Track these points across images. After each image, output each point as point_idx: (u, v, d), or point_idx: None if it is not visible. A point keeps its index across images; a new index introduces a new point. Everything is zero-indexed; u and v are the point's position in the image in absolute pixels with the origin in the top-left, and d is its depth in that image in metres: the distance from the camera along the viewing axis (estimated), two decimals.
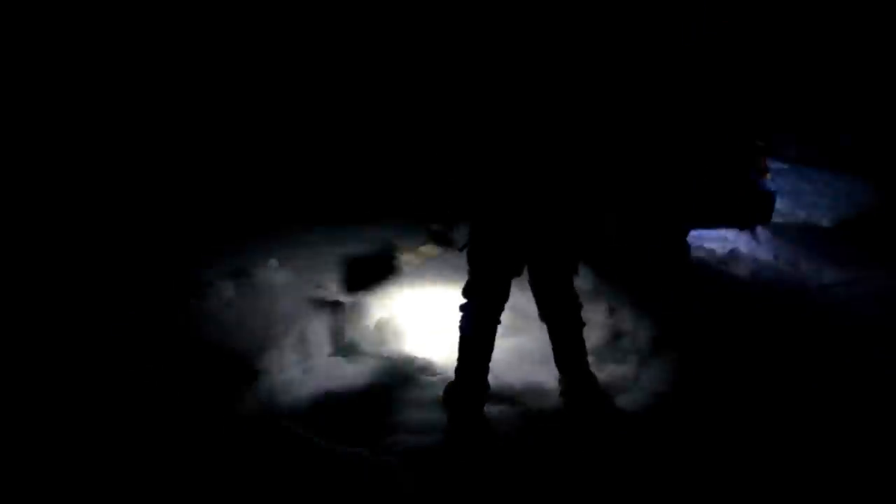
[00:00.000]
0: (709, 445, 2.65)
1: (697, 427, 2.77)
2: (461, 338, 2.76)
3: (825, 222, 5.92)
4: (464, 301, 2.75)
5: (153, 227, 4.36)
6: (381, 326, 3.43)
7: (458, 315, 2.76)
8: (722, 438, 2.68)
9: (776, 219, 5.64)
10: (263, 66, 5.39)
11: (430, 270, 4.04)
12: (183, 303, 3.34)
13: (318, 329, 3.29)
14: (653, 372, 3.19)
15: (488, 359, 2.75)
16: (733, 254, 4.79)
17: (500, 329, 2.88)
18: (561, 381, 2.86)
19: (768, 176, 4.89)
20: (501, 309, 2.75)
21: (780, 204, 5.71)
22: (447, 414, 2.75)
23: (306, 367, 3.10)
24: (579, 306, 2.82)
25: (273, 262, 3.77)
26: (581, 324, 2.83)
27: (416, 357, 3.23)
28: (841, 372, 3.14)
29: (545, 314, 2.82)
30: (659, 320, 3.52)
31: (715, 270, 4.53)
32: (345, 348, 3.33)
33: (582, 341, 2.82)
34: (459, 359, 2.75)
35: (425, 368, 3.14)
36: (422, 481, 2.33)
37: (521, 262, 2.73)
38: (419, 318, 3.55)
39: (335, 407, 2.81)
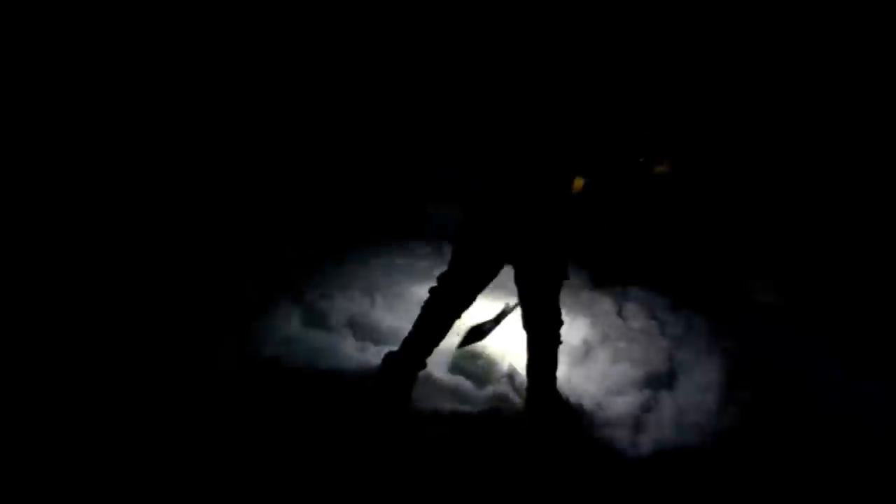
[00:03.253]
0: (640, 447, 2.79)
1: (629, 428, 2.90)
2: (420, 317, 2.89)
3: None
4: (436, 286, 2.87)
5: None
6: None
7: (427, 296, 2.89)
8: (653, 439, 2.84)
9: None
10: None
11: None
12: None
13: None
14: (584, 372, 3.29)
15: (436, 345, 2.92)
16: None
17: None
18: (527, 391, 2.94)
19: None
20: (465, 307, 2.89)
21: None
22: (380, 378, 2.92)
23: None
24: (560, 323, 2.87)
25: None
26: (558, 341, 2.90)
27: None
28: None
29: (526, 323, 2.89)
30: (589, 323, 3.62)
31: None
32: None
33: (555, 358, 2.90)
34: (410, 334, 2.90)
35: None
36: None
37: (500, 263, 2.82)
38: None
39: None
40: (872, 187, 4.63)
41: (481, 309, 3.14)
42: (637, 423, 2.94)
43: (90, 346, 2.96)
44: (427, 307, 2.88)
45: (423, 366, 2.95)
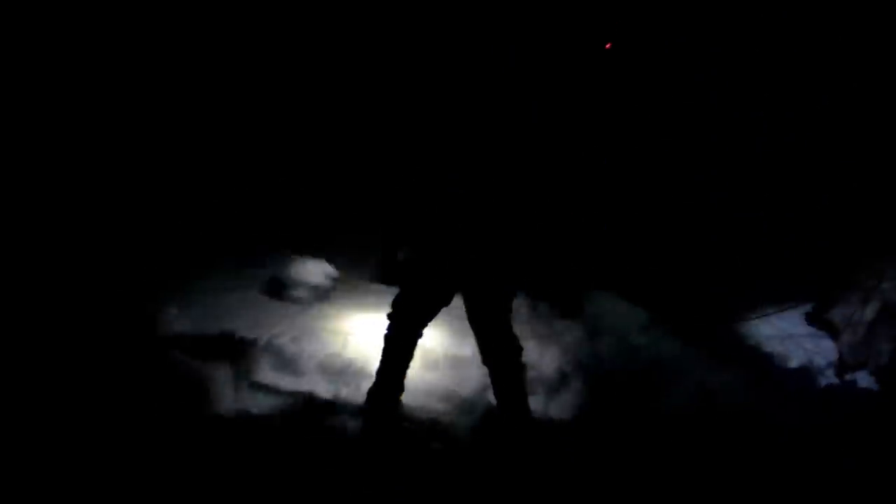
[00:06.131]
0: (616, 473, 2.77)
1: (606, 456, 2.90)
2: (384, 346, 2.90)
3: None
4: (391, 312, 2.86)
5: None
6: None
7: (386, 322, 2.89)
8: (628, 467, 2.81)
9: None
10: None
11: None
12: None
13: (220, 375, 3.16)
14: (560, 403, 3.27)
15: (407, 366, 2.93)
16: None
17: (414, 365, 2.98)
18: (504, 422, 2.88)
19: None
20: (424, 325, 2.89)
21: None
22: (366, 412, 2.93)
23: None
24: (519, 349, 2.83)
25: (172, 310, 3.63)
26: (521, 368, 2.85)
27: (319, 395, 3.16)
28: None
29: (485, 358, 2.85)
30: (563, 352, 3.61)
31: None
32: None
33: (522, 386, 2.85)
34: (381, 363, 2.92)
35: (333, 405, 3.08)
36: None
37: (452, 288, 2.80)
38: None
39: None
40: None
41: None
42: (616, 448, 2.94)
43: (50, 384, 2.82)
44: (387, 334, 2.91)
45: (402, 389, 2.96)
